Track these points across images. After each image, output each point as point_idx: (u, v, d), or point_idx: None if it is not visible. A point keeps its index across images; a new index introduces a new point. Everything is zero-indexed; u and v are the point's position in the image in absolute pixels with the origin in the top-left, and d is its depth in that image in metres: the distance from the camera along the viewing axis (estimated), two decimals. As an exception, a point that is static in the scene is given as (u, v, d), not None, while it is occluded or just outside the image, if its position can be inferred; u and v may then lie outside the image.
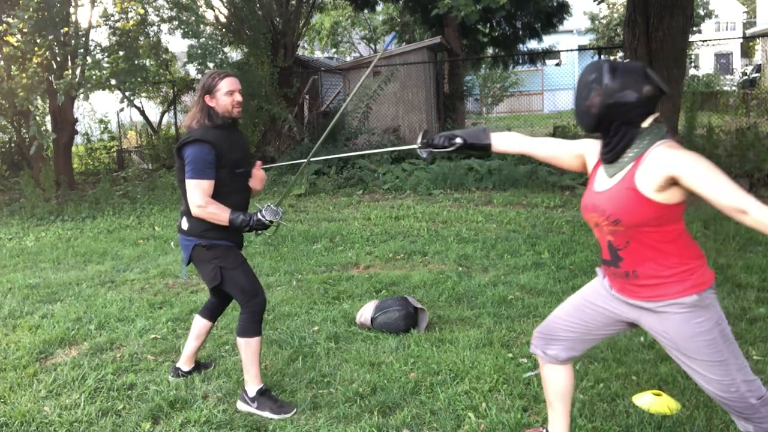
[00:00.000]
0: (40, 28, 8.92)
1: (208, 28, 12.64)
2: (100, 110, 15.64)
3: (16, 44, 9.59)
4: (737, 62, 35.25)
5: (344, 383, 3.38)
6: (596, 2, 14.32)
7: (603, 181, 2.19)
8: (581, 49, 21.47)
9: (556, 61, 28.24)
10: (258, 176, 3.32)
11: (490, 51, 17.70)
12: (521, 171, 9.34)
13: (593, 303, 2.36)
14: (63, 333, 4.29)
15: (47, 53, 9.72)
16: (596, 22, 33.40)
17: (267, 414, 3.11)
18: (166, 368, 3.68)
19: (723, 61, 35.90)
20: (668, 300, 2.10)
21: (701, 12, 31.94)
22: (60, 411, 3.21)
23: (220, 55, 11.14)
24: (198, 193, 3.01)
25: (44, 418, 3.16)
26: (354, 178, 10.30)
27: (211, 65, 10.91)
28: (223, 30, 14.00)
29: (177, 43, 12.87)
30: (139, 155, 15.54)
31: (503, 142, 2.53)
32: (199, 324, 3.50)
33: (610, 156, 2.13)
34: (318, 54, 27.95)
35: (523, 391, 3.18)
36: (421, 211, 8.03)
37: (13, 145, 13.44)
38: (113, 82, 10.00)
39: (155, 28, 11.38)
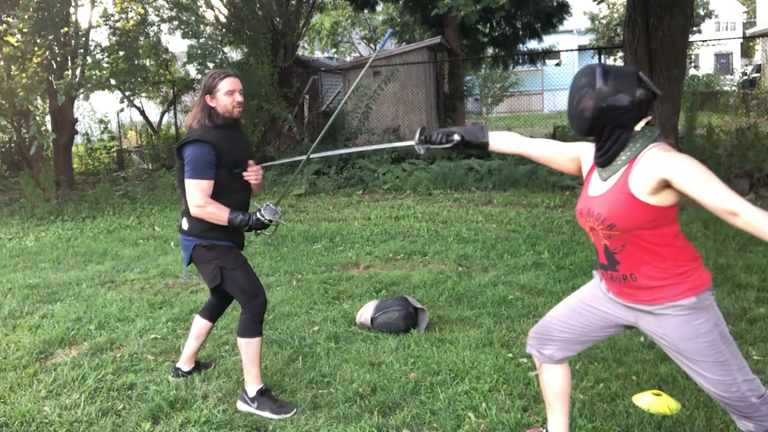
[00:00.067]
0: (40, 28, 8.92)
1: (208, 28, 12.64)
2: (100, 110, 15.65)
3: (16, 44, 9.59)
4: (737, 62, 35.25)
5: (344, 383, 3.38)
6: (596, 2, 14.33)
7: (597, 186, 2.20)
8: (581, 49, 21.49)
9: (556, 61, 28.24)
10: (253, 170, 3.21)
11: (490, 51, 17.71)
12: (521, 171, 9.34)
13: (590, 305, 2.37)
14: (63, 333, 4.29)
15: (47, 53, 9.73)
16: (596, 22, 33.40)
17: (267, 414, 3.11)
18: (166, 368, 3.68)
19: (723, 61, 35.90)
20: (667, 303, 2.10)
21: (701, 12, 31.95)
22: (60, 411, 3.21)
23: (219, 56, 11.15)
24: (197, 193, 3.01)
25: (44, 418, 3.16)
26: (354, 178, 10.31)
27: (210, 65, 10.91)
28: (223, 30, 14.01)
29: (177, 43, 12.87)
30: (139, 155, 15.54)
31: (501, 141, 2.53)
32: (199, 324, 3.50)
33: (604, 159, 2.14)
34: (318, 54, 27.95)
35: (523, 391, 3.18)
36: (421, 211, 8.03)
37: (13, 145, 13.44)
38: (113, 82, 10.01)
39: (155, 28, 11.39)
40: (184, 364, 3.56)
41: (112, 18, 10.56)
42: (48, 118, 11.08)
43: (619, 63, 26.36)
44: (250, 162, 3.24)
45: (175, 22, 11.20)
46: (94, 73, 9.61)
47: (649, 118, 2.09)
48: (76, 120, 11.56)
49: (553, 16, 15.93)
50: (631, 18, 8.96)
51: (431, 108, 13.72)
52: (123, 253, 6.71)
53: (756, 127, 9.57)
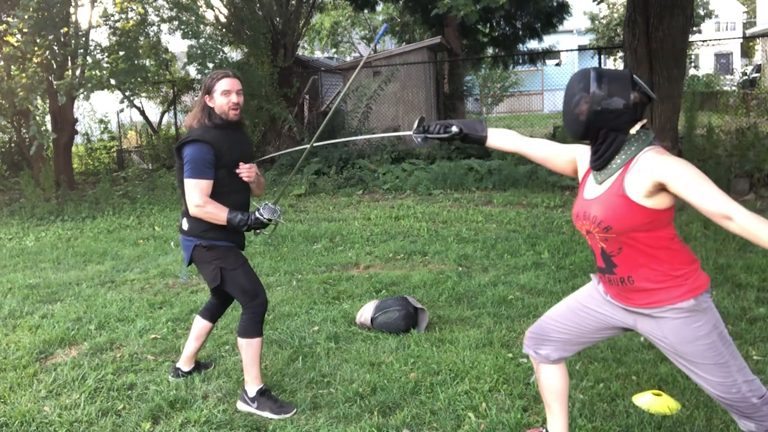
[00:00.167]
0: (40, 28, 8.92)
1: (208, 28, 12.64)
2: (100, 110, 15.65)
3: (16, 44, 9.59)
4: (737, 62, 35.25)
5: (344, 383, 3.38)
6: (596, 2, 14.33)
7: (593, 189, 2.20)
8: (581, 49, 21.49)
9: (556, 61, 28.24)
10: (245, 167, 3.15)
11: (490, 51, 17.71)
12: (521, 171, 9.34)
13: (587, 306, 2.37)
14: (63, 333, 4.29)
15: (47, 53, 9.73)
16: (596, 22, 33.41)
17: (267, 414, 3.11)
18: (166, 368, 3.68)
19: (723, 61, 35.90)
20: (665, 305, 2.10)
21: (701, 12, 31.95)
22: (60, 411, 3.21)
23: (219, 56, 11.14)
24: (196, 193, 3.00)
25: (44, 418, 3.16)
26: (354, 178, 10.31)
27: (210, 65, 10.91)
28: (223, 30, 14.01)
29: (177, 43, 12.87)
30: (139, 155, 15.54)
31: (499, 138, 2.53)
32: (200, 325, 3.49)
33: (599, 163, 2.14)
34: (318, 54, 27.95)
35: (523, 391, 3.18)
36: (421, 211, 8.03)
37: (13, 145, 13.45)
38: (113, 82, 10.00)
39: (155, 28, 11.38)
40: (184, 364, 3.56)
41: (112, 18, 10.56)
42: (48, 118, 11.08)
43: (619, 63, 26.38)
44: (241, 164, 3.16)
45: (175, 22, 11.19)
46: (94, 73, 9.61)
47: (644, 121, 2.10)
48: (76, 120, 11.56)
49: (553, 16, 15.94)
50: (631, 18, 8.96)
51: (431, 108, 13.72)
52: (123, 253, 6.71)
53: (756, 127, 9.56)
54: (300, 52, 19.80)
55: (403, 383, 3.33)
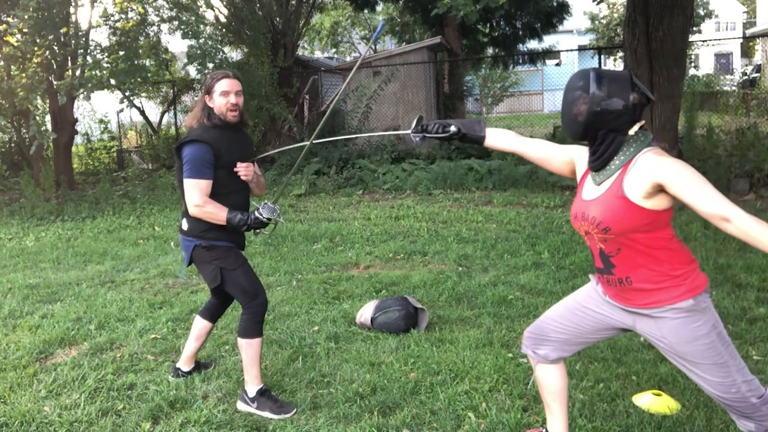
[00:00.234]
0: (40, 28, 8.92)
1: (208, 28, 12.64)
2: (100, 110, 15.65)
3: (16, 44, 9.59)
4: (737, 62, 35.25)
5: (344, 383, 3.38)
6: (596, 2, 14.33)
7: (591, 190, 2.20)
8: (581, 49, 21.49)
9: (556, 61, 28.23)
10: (242, 165, 3.13)
11: (490, 51, 17.71)
12: (521, 171, 9.34)
13: (586, 307, 2.37)
14: (63, 333, 4.29)
15: (47, 53, 9.73)
16: (596, 22, 33.41)
17: (267, 414, 3.11)
18: (166, 368, 3.68)
19: (723, 61, 35.90)
20: (664, 306, 2.11)
21: (701, 12, 31.95)
22: (60, 411, 3.21)
23: (219, 56, 11.15)
24: (196, 193, 3.00)
25: (44, 418, 3.16)
26: (354, 178, 10.31)
27: (210, 65, 10.91)
28: (223, 30, 14.01)
29: (177, 43, 12.87)
30: (139, 155, 15.54)
31: (497, 138, 2.53)
32: (200, 325, 3.49)
33: (598, 164, 2.14)
34: (318, 54, 27.95)
35: (523, 391, 3.18)
36: (421, 211, 8.03)
37: (13, 145, 13.44)
38: (113, 82, 10.01)
39: (155, 28, 11.38)
40: (184, 364, 3.56)
41: (112, 18, 10.56)
42: (48, 118, 11.08)
43: (619, 63, 26.37)
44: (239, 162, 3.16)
45: (175, 22, 11.19)
46: (94, 73, 9.61)
47: (643, 122, 2.10)
48: (76, 120, 11.56)
49: (553, 16, 15.94)
50: (631, 18, 8.96)
51: (431, 108, 13.72)
52: (123, 253, 6.71)
53: (756, 127, 9.56)
54: (300, 52, 19.81)
55: (403, 383, 3.33)
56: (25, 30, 8.99)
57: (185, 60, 11.71)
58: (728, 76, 24.54)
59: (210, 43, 11.16)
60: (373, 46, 27.69)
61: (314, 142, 3.28)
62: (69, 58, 10.20)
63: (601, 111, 2.04)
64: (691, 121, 9.45)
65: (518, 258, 5.65)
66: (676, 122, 9.24)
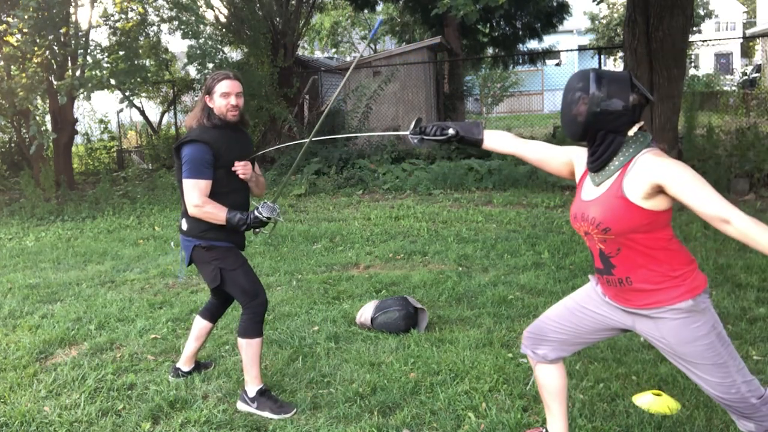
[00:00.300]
0: (40, 28, 8.92)
1: (208, 28, 12.65)
2: (100, 110, 15.65)
3: (16, 44, 9.59)
4: (737, 62, 35.25)
5: (344, 383, 3.38)
6: (596, 2, 14.33)
7: (590, 190, 2.20)
8: (581, 49, 21.49)
9: (556, 61, 28.23)
10: (240, 164, 3.12)
11: (490, 51, 17.71)
12: (521, 171, 9.34)
13: (585, 307, 2.37)
14: (63, 333, 4.29)
15: (47, 53, 9.73)
16: (596, 22, 33.41)
17: (267, 414, 3.11)
18: (166, 368, 3.68)
19: (723, 61, 35.90)
20: (664, 306, 2.11)
21: (701, 12, 31.96)
22: (60, 411, 3.22)
23: (219, 56, 11.14)
24: (195, 193, 3.00)
25: (44, 418, 3.16)
26: (354, 178, 10.31)
27: (210, 66, 10.91)
28: (223, 30, 14.01)
29: (177, 43, 12.88)
30: (139, 155, 15.54)
31: (495, 140, 2.53)
32: (200, 325, 3.49)
33: (597, 164, 2.15)
34: (318, 54, 27.95)
35: (523, 391, 3.18)
36: (421, 211, 8.03)
37: (13, 145, 13.44)
38: (113, 82, 10.01)
39: (155, 28, 11.39)
40: (184, 364, 3.56)
41: (112, 18, 10.56)
42: (48, 118, 11.08)
43: (619, 63, 26.36)
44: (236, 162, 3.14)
45: (175, 22, 11.19)
46: (94, 73, 9.61)
47: (642, 123, 2.10)
48: (76, 120, 11.56)
49: (553, 16, 15.94)
50: (631, 18, 8.96)
51: (431, 108, 13.72)
52: (123, 253, 6.71)
53: (756, 127, 9.56)
54: (300, 52, 19.81)
55: (403, 383, 3.33)
56: (25, 30, 8.99)
57: (185, 60, 11.71)
58: (728, 76, 24.54)
59: (210, 43, 11.16)
60: (372, 46, 27.72)
61: (313, 140, 3.28)
62: (69, 58, 10.20)
63: (601, 112, 2.05)
64: (691, 121, 9.45)
65: (518, 258, 5.65)
66: (676, 122, 9.24)
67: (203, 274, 3.24)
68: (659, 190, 2.00)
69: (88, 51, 10.17)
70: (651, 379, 3.26)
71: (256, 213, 3.05)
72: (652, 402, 2.98)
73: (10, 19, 9.20)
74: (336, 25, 27.71)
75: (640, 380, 3.26)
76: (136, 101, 14.66)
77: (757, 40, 27.11)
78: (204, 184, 3.02)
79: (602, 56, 16.96)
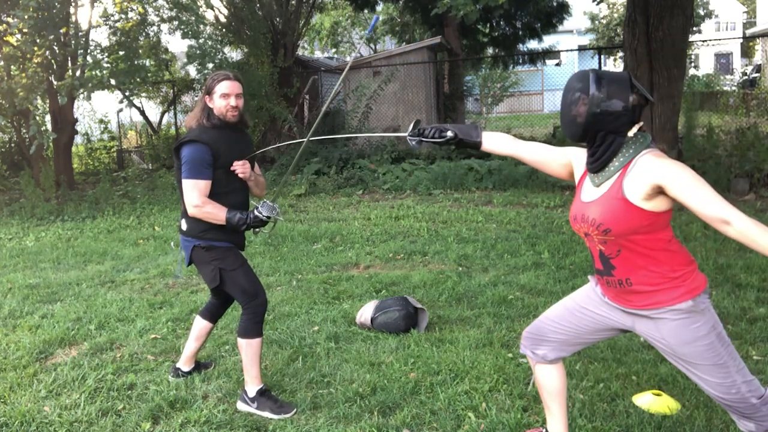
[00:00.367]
0: (40, 28, 8.92)
1: (208, 28, 12.64)
2: (100, 110, 15.64)
3: (16, 44, 9.59)
4: (737, 62, 35.25)
5: (344, 383, 3.38)
6: (596, 2, 14.34)
7: (590, 191, 2.20)
8: (581, 49, 21.49)
9: (556, 61, 28.23)
10: (239, 164, 3.11)
11: (490, 51, 17.71)
12: (521, 171, 9.34)
13: (585, 307, 2.37)
14: (63, 333, 4.29)
15: (47, 53, 9.73)
16: (596, 22, 33.41)
17: (267, 414, 3.11)
18: (166, 368, 3.68)
19: (723, 61, 35.90)
20: (664, 307, 2.11)
21: (701, 12, 31.96)
22: (60, 411, 3.22)
23: (219, 56, 11.14)
24: (195, 193, 3.00)
25: (44, 418, 3.16)
26: (354, 178, 10.31)
27: (210, 66, 10.91)
28: (223, 30, 14.01)
29: (177, 43, 12.87)
30: (139, 155, 15.54)
31: (493, 142, 2.53)
32: (200, 325, 3.49)
33: (597, 165, 2.14)
34: (318, 54, 27.95)
35: (523, 391, 3.18)
36: (421, 211, 8.03)
37: (13, 145, 13.44)
38: (113, 82, 10.01)
39: (155, 28, 11.38)
40: (184, 364, 3.56)
41: (112, 18, 10.56)
42: (48, 118, 11.08)
43: (619, 63, 26.36)
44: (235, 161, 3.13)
45: (175, 22, 11.19)
46: (94, 73, 9.61)
47: (641, 123, 2.10)
48: (76, 120, 11.56)
49: (552, 16, 15.94)
50: (631, 18, 8.97)
51: (431, 108, 13.72)
52: (123, 253, 6.71)
53: (756, 127, 9.56)
54: (300, 52, 19.81)
55: (403, 383, 3.33)
56: (25, 30, 8.99)
57: (185, 60, 11.71)
58: (728, 76, 24.54)
59: (210, 43, 11.16)
60: (372, 46, 27.72)
61: (311, 139, 3.28)
62: (69, 58, 10.20)
63: (601, 112, 2.04)
64: (691, 121, 9.46)
65: (518, 258, 5.65)
66: (676, 122, 9.24)
67: (203, 275, 3.24)
68: (659, 191, 2.00)
69: (88, 51, 10.17)
70: (651, 379, 3.26)
71: (255, 212, 3.05)
72: (652, 402, 2.98)
73: (10, 19, 9.20)
74: (336, 25, 27.71)
75: (640, 380, 3.26)
76: (136, 101, 14.67)
77: (757, 40, 27.11)
78: (203, 185, 3.02)
79: (602, 56, 16.96)
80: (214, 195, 3.05)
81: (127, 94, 10.94)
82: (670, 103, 8.91)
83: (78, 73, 10.02)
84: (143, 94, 15.26)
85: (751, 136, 8.95)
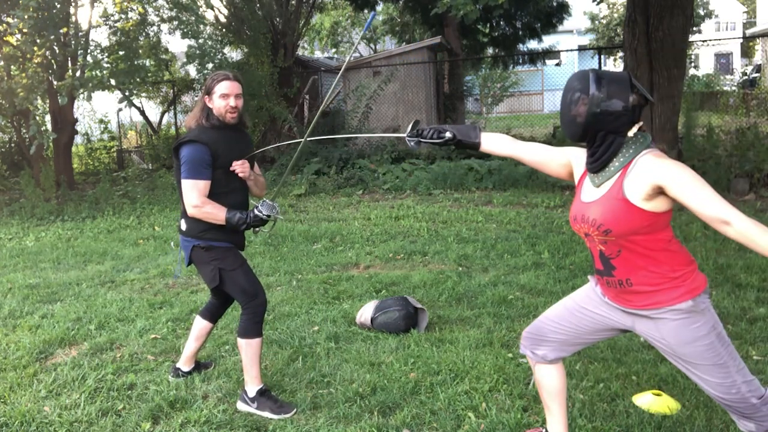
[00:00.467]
0: (40, 28, 8.92)
1: (208, 28, 12.64)
2: (100, 110, 15.65)
3: (16, 44, 9.59)
4: (737, 62, 35.25)
5: (344, 383, 3.38)
6: (596, 2, 14.33)
7: (590, 191, 2.20)
8: (581, 49, 21.49)
9: (556, 61, 28.23)
10: (238, 163, 3.10)
11: (490, 51, 17.71)
12: (521, 171, 9.34)
13: (584, 307, 2.37)
14: (63, 333, 4.29)
15: (47, 53, 9.73)
16: (596, 22, 33.41)
17: (267, 414, 3.11)
18: (166, 368, 3.68)
19: (723, 61, 35.90)
20: (664, 307, 2.11)
21: (701, 12, 31.96)
22: (60, 411, 3.22)
23: (219, 56, 11.14)
24: (194, 194, 3.00)
25: (44, 418, 3.16)
26: (354, 178, 10.31)
27: (210, 66, 10.90)
28: (223, 30, 14.01)
29: (177, 43, 12.87)
30: (139, 155, 15.54)
31: (492, 142, 2.53)
32: (200, 325, 3.49)
33: (597, 165, 2.14)
34: (318, 54, 27.96)
35: (523, 391, 3.18)
36: (421, 211, 8.03)
37: (13, 145, 13.44)
38: (113, 82, 10.01)
39: (155, 28, 11.38)
40: (184, 364, 3.56)
41: (112, 18, 10.56)
42: (48, 118, 11.08)
43: (619, 63, 26.36)
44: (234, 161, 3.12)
45: (175, 22, 11.19)
46: (94, 73, 9.62)
47: (641, 123, 2.10)
48: (76, 120, 11.55)
49: (552, 16, 15.94)
50: (631, 18, 8.97)
51: (431, 108, 13.72)
52: (123, 253, 6.71)
53: (756, 127, 9.55)
54: (300, 52, 19.81)
55: (403, 383, 3.33)
56: (25, 30, 8.99)
57: (185, 60, 11.71)
58: (728, 76, 24.54)
59: (210, 43, 11.16)
60: (372, 46, 27.71)
61: (309, 139, 3.28)
62: (69, 58, 10.20)
63: (601, 112, 2.04)
64: (691, 121, 9.46)
65: (518, 258, 5.65)
66: (676, 122, 9.24)
67: (202, 275, 3.24)
68: (660, 192, 2.00)
69: (88, 51, 10.17)
70: (651, 379, 3.27)
71: (255, 211, 3.05)
72: (652, 402, 2.98)
73: (10, 19, 9.20)
74: (336, 25, 27.72)
75: (640, 380, 3.26)
76: (136, 101, 14.65)
77: (757, 40, 27.11)
78: (203, 185, 3.02)
79: (602, 56, 16.96)
80: (213, 195, 3.05)
81: (127, 94, 10.93)
82: (670, 103, 8.91)
83: (78, 73, 10.02)
84: (143, 94, 15.26)
85: (751, 136, 8.95)
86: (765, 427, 2.12)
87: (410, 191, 9.52)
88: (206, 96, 3.11)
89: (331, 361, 3.69)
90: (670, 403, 2.96)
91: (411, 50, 13.81)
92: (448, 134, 2.51)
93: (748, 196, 7.89)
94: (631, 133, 2.09)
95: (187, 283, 5.46)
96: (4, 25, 9.44)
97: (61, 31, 9.65)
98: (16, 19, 8.77)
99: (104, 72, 9.74)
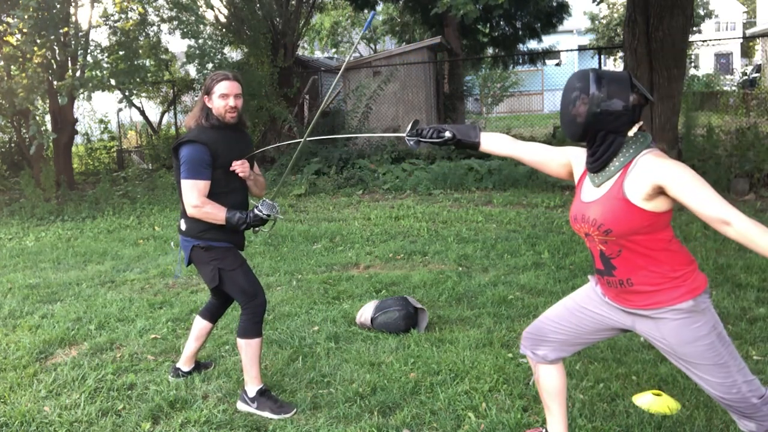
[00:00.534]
0: (40, 28, 8.92)
1: (208, 28, 12.64)
2: (100, 110, 15.64)
3: (16, 44, 9.59)
4: (737, 62, 35.25)
5: (344, 383, 3.38)
6: (596, 2, 14.34)
7: (590, 191, 2.20)
8: (581, 49, 21.51)
9: (556, 61, 28.23)
10: (237, 163, 3.10)
11: (490, 51, 17.71)
12: (521, 171, 9.34)
13: (585, 307, 2.37)
14: (63, 333, 4.29)
15: (47, 53, 9.73)
16: (596, 22, 33.41)
17: (267, 414, 3.11)
18: (166, 368, 3.68)
19: (723, 61, 35.90)
20: (664, 307, 2.11)
21: (701, 12, 31.95)
22: (60, 411, 3.22)
23: (219, 56, 11.13)
24: (194, 194, 3.00)
25: (44, 418, 3.16)
26: (354, 178, 10.31)
27: (210, 66, 10.90)
28: (223, 30, 14.01)
29: (177, 43, 12.87)
30: (139, 155, 15.54)
31: (492, 142, 2.52)
32: (200, 325, 3.49)
33: (597, 165, 2.14)
34: (318, 54, 27.96)
35: (523, 391, 3.18)
36: (421, 211, 8.03)
37: (13, 145, 13.44)
38: (113, 82, 10.01)
39: (155, 28, 11.38)
40: (184, 364, 3.56)
41: (112, 18, 10.56)
42: (48, 118, 11.08)
43: (619, 63, 26.36)
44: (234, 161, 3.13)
45: (175, 22, 11.19)
46: (94, 73, 9.62)
47: (641, 123, 2.10)
48: (76, 120, 11.55)
49: (552, 16, 15.94)
50: (631, 18, 8.97)
51: (431, 108, 13.72)
52: (123, 253, 6.71)
53: (756, 127, 9.55)
54: (300, 52, 19.81)
55: (403, 383, 3.33)
56: (25, 30, 8.99)
57: (185, 60, 11.71)
58: (728, 76, 24.53)
59: (210, 43, 11.15)
60: (372, 46, 27.71)
61: (308, 139, 3.28)
62: (69, 58, 10.20)
63: (601, 112, 2.04)
64: (691, 121, 9.45)
65: (518, 258, 5.65)
66: (676, 122, 9.24)
67: (202, 275, 3.24)
68: (660, 191, 2.00)
69: (88, 51, 10.17)
70: (651, 379, 3.27)
71: (255, 211, 3.05)
72: (652, 402, 2.98)
73: (10, 19, 9.20)
74: (336, 25, 27.72)
75: (640, 380, 3.26)
76: (136, 101, 14.67)
77: (757, 40, 27.11)
78: (202, 185, 3.02)
79: (602, 56, 16.96)
80: (213, 195, 3.05)
81: (127, 94, 10.94)
82: (670, 103, 8.91)
83: (78, 73, 10.02)
84: (143, 94, 15.26)
85: (751, 136, 8.94)
86: (765, 427, 2.12)
87: (410, 191, 9.52)
88: (206, 96, 3.10)
89: (331, 361, 3.69)
90: (670, 403, 2.96)
91: (411, 50, 13.81)
92: (447, 134, 2.51)
93: (748, 196, 7.89)
94: (631, 133, 2.09)
95: (187, 283, 5.46)
96: (4, 25, 9.44)
97: (61, 31, 9.65)
98: (16, 19, 8.77)
99: (104, 72, 9.74)
